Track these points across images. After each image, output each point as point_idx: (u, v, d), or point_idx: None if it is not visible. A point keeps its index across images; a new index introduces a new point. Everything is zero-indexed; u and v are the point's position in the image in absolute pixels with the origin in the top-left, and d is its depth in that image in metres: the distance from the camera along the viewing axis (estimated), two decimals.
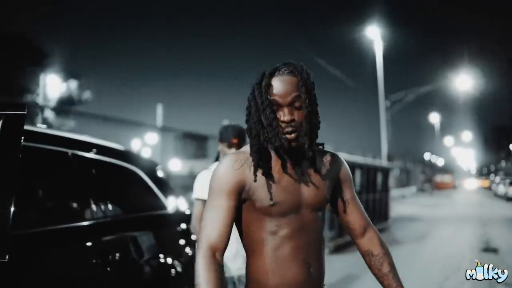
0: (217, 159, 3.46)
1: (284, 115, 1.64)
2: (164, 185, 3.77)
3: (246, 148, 1.74)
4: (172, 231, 3.58)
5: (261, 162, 1.66)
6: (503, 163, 72.37)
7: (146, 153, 15.10)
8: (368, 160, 15.15)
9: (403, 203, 26.39)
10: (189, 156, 21.40)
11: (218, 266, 1.60)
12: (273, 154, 1.70)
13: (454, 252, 9.98)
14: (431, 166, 64.87)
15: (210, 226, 1.64)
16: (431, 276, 7.55)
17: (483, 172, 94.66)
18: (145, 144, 22.42)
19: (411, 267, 7.95)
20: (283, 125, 1.63)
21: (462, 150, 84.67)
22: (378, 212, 13.66)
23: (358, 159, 13.62)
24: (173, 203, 3.70)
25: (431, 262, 8.84)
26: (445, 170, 71.62)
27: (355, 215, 1.85)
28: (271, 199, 1.63)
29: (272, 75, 1.68)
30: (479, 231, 13.79)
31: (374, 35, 27.16)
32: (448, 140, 76.29)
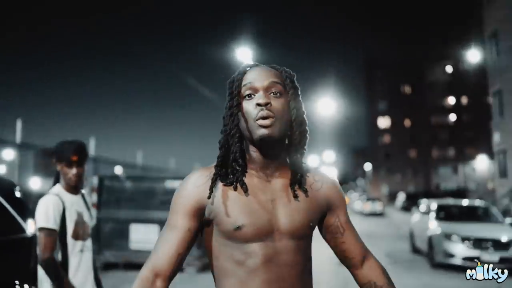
0: (56, 181, 3.05)
1: (258, 98, 1.40)
2: (22, 206, 3.60)
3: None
4: (30, 256, 3.43)
5: (225, 175, 1.41)
6: (360, 181, 78.29)
7: (0, 171, 13.99)
8: None
9: None
10: (51, 174, 20.20)
11: None
12: (244, 168, 1.44)
13: (314, 266, 10.58)
14: None
15: (161, 248, 1.39)
16: None
17: (344, 190, 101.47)
18: (0, 161, 20.70)
19: None
20: (257, 109, 1.39)
21: (326, 168, 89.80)
22: None
23: None
24: (32, 226, 3.54)
25: None
26: None
27: (352, 243, 1.58)
28: (235, 221, 1.36)
29: (247, 67, 1.49)
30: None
31: (244, 56, 27.73)
32: (312, 159, 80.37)
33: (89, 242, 3.01)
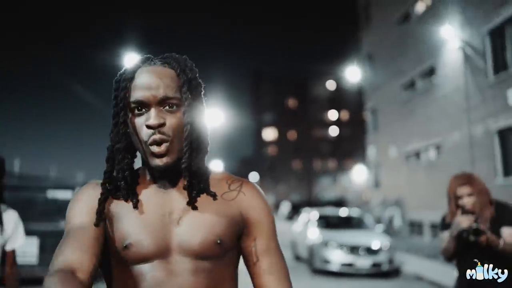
0: None
1: (149, 118, 1.17)
2: None
3: None
4: None
5: (115, 190, 1.23)
6: None
7: None
8: None
9: None
10: None
11: (80, 284, 1.02)
12: (142, 175, 1.28)
13: None
14: None
15: (66, 249, 1.11)
16: None
17: None
18: None
19: None
20: (148, 133, 1.17)
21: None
22: None
23: None
24: None
25: None
26: None
27: (264, 281, 1.24)
28: (124, 239, 1.17)
29: (138, 66, 1.23)
30: None
31: (131, 63, 26.95)
32: None
33: None
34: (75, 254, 1.09)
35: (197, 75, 1.27)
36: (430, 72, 18.88)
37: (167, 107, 1.19)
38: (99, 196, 1.22)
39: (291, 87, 70.26)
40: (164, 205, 1.22)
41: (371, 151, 26.67)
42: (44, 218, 9.62)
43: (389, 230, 20.51)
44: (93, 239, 1.15)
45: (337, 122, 71.78)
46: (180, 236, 1.18)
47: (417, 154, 20.60)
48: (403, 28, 21.47)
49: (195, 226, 1.19)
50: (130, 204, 1.21)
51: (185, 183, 1.23)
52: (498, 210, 3.20)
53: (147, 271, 1.15)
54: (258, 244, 1.26)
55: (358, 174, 33.57)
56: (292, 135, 71.97)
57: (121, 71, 1.24)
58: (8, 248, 2.91)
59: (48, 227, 9.60)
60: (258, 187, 1.34)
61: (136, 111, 1.20)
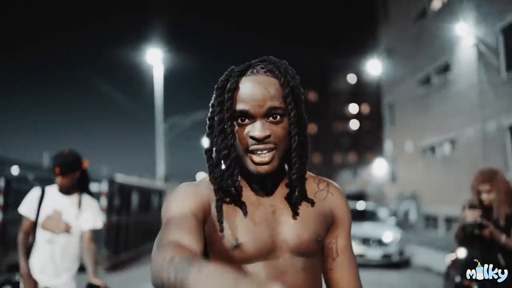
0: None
1: (254, 130, 1.19)
2: None
3: (206, 177, 1.31)
4: None
5: (222, 187, 1.24)
6: None
7: None
8: (145, 182, 15.86)
9: None
10: None
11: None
12: (240, 178, 1.29)
13: None
14: None
15: (172, 232, 1.08)
16: None
17: None
18: None
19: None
20: (252, 142, 1.19)
21: None
22: (153, 231, 14.42)
23: (134, 180, 14.25)
24: None
25: None
26: None
27: (341, 276, 1.32)
28: (233, 239, 1.20)
29: (241, 74, 1.23)
30: None
31: (153, 59, 26.90)
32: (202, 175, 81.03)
33: (62, 238, 3.45)
34: (182, 234, 1.06)
35: (299, 82, 1.25)
36: (445, 68, 19.09)
37: (271, 118, 1.20)
38: (197, 195, 1.23)
39: (312, 80, 70.20)
40: (267, 205, 1.26)
41: (388, 145, 26.93)
42: None
43: (405, 223, 20.85)
44: (197, 226, 1.14)
45: (358, 116, 71.63)
46: (286, 234, 1.23)
47: (433, 149, 20.85)
48: (420, 24, 21.65)
49: (299, 225, 1.25)
50: (234, 205, 1.24)
51: (287, 189, 1.29)
52: None
53: (258, 270, 1.19)
54: (339, 241, 1.33)
55: (378, 168, 33.68)
56: (312, 128, 72.09)
57: (222, 78, 1.24)
58: (85, 228, 3.53)
59: None
60: (340, 187, 1.40)
61: (240, 121, 1.21)
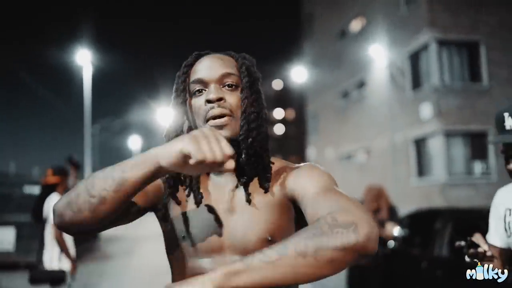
0: None
1: (209, 93, 1.16)
2: None
3: None
4: None
5: (179, 181, 1.22)
6: None
7: None
8: None
9: None
10: None
11: None
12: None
13: (157, 260, 12.27)
14: None
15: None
16: (142, 283, 9.27)
17: None
18: None
19: (124, 277, 9.64)
20: (207, 108, 1.16)
21: None
22: None
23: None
24: None
25: (140, 271, 10.64)
26: None
27: (318, 203, 1.05)
28: (182, 230, 1.18)
29: (200, 55, 1.26)
30: None
31: (83, 60, 24.51)
32: None
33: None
34: None
35: (255, 64, 1.25)
36: (361, 84, 21.28)
37: (226, 87, 1.18)
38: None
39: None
40: (223, 200, 1.19)
41: (311, 151, 28.96)
42: (21, 210, 11.04)
43: None
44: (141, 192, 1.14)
45: (283, 121, 73.83)
46: (234, 233, 1.14)
47: (350, 156, 23.02)
48: (341, 43, 23.77)
49: (249, 223, 1.14)
50: (192, 197, 1.21)
51: (243, 177, 1.19)
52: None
53: (206, 266, 1.13)
54: (306, 196, 1.09)
55: None
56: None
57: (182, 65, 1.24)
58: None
59: (24, 219, 10.99)
60: (314, 164, 1.21)
61: (196, 94, 1.19)
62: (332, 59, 24.70)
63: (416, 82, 16.77)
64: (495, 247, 2.14)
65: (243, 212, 1.18)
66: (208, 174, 1.25)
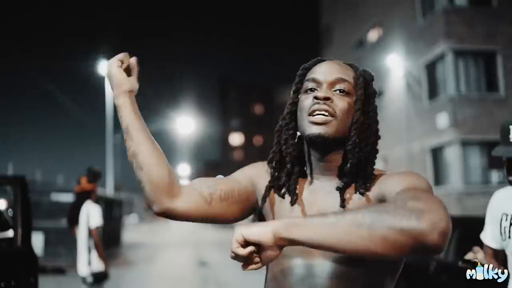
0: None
1: (318, 92, 1.18)
2: None
3: None
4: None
5: (278, 183, 1.27)
6: None
7: None
8: (106, 193, 17.01)
9: (129, 231, 28.61)
10: None
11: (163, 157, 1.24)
12: (297, 172, 1.28)
13: (177, 268, 12.69)
14: None
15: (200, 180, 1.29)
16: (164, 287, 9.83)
17: None
18: None
19: (144, 283, 10.03)
20: (313, 102, 1.18)
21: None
22: (112, 238, 15.59)
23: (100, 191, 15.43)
24: None
25: (161, 277, 11.08)
26: None
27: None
28: None
29: (320, 60, 1.29)
30: (194, 251, 17.03)
31: (105, 71, 26.21)
32: None
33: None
34: (204, 181, 1.27)
35: (373, 81, 1.26)
36: (379, 93, 21.44)
37: (337, 91, 1.19)
38: (263, 173, 1.32)
39: (258, 94, 71.89)
40: (316, 204, 1.20)
41: None
42: (49, 216, 11.54)
43: None
44: (229, 185, 1.27)
45: None
46: None
47: None
48: (358, 52, 24.03)
49: None
50: (287, 198, 1.24)
51: (341, 183, 1.19)
52: None
53: (293, 267, 1.16)
54: (392, 193, 1.05)
55: None
56: (258, 140, 73.84)
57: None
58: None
59: (51, 225, 11.48)
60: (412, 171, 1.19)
61: (308, 92, 1.21)
62: None
63: (433, 92, 16.96)
64: (489, 247, 2.31)
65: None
66: (306, 177, 1.28)
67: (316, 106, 1.16)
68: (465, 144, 15.55)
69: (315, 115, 1.16)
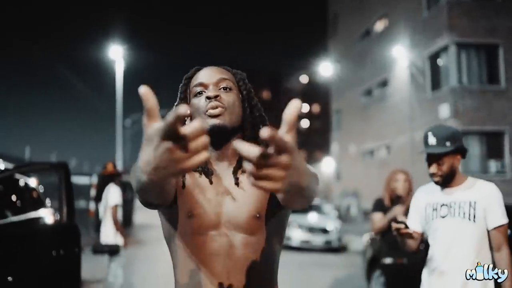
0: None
1: (208, 92, 1.38)
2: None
3: None
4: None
5: None
6: None
7: None
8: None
9: (140, 212, 29.21)
10: None
11: None
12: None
13: None
14: None
15: None
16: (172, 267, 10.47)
17: None
18: None
19: (156, 261, 10.39)
20: (207, 102, 1.36)
21: None
22: (125, 219, 16.15)
23: None
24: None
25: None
26: None
27: None
28: (188, 210, 1.34)
29: (200, 68, 1.48)
30: None
31: (115, 55, 25.08)
32: None
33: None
34: None
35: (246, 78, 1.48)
36: (384, 83, 21.96)
37: (222, 89, 1.39)
38: None
39: (265, 79, 71.80)
40: (220, 185, 1.37)
41: (334, 146, 29.71)
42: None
43: (347, 217, 23.53)
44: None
45: (308, 115, 73.90)
46: (228, 212, 1.33)
47: (371, 152, 23.75)
48: (365, 42, 24.45)
49: (240, 203, 1.33)
50: (195, 181, 1.38)
51: (235, 164, 1.39)
52: None
53: (207, 241, 1.32)
54: None
55: (326, 166, 35.88)
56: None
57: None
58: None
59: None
60: None
61: (197, 95, 1.40)
62: (356, 58, 25.40)
63: (436, 83, 17.46)
64: (415, 232, 2.71)
65: (236, 194, 1.36)
66: (211, 160, 1.43)
67: (210, 104, 1.35)
68: (465, 134, 16.02)
69: (211, 110, 1.35)
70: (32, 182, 5.06)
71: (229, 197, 1.36)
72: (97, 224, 6.02)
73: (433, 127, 2.75)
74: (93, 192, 12.01)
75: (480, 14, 16.56)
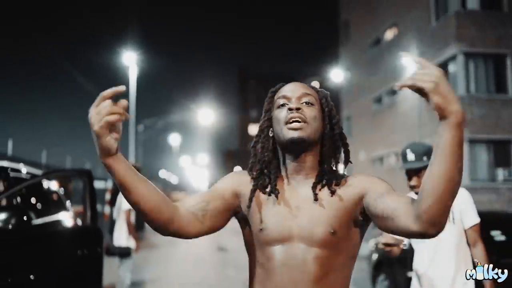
0: None
1: (290, 103, 1.43)
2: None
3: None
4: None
5: (262, 184, 1.46)
6: None
7: None
8: None
9: None
10: None
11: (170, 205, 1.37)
12: (275, 174, 1.48)
13: (198, 251, 13.54)
14: (165, 183, 67.20)
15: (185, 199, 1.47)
16: (185, 270, 10.42)
17: None
18: None
19: (168, 264, 10.80)
20: (288, 113, 1.41)
21: (198, 170, 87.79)
22: (137, 222, 16.38)
23: None
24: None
25: (183, 259, 11.88)
26: (179, 187, 74.39)
27: (395, 199, 1.31)
28: (261, 223, 1.41)
29: (284, 84, 1.54)
30: (213, 237, 17.81)
31: (129, 61, 25.14)
32: (184, 160, 77.42)
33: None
34: (190, 198, 1.47)
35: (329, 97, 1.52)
36: (394, 91, 22.16)
37: (304, 103, 1.43)
38: (237, 179, 1.52)
39: (277, 84, 71.67)
40: (294, 199, 1.42)
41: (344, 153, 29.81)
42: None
43: None
44: (215, 199, 1.45)
45: None
46: (302, 226, 1.37)
47: (381, 159, 23.96)
48: (375, 50, 24.72)
49: (315, 218, 1.37)
50: (265, 197, 1.45)
51: (314, 180, 1.43)
52: None
53: (276, 252, 1.38)
54: (372, 195, 1.36)
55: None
56: None
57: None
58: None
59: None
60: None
61: (280, 107, 1.46)
62: (367, 65, 25.63)
63: None
64: (396, 239, 2.79)
65: (312, 208, 1.39)
66: (284, 176, 1.49)
67: (291, 115, 1.39)
68: (473, 142, 16.25)
69: (291, 123, 1.39)
70: (53, 185, 5.32)
71: (305, 211, 1.40)
72: (111, 227, 6.30)
73: (410, 144, 3.09)
74: (108, 196, 12.31)
75: (488, 24, 16.78)
